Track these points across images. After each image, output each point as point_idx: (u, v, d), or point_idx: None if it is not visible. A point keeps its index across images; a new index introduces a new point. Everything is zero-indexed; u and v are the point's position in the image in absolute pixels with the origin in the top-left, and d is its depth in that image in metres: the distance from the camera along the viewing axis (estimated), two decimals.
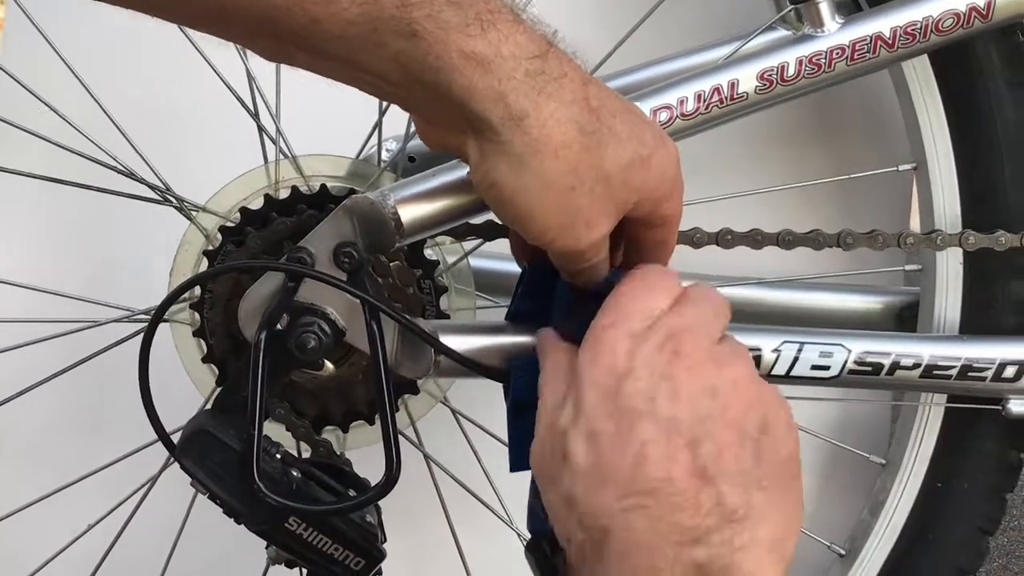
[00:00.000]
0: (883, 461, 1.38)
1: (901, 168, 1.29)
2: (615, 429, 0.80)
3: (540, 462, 0.86)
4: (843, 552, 1.40)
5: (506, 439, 0.99)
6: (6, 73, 1.22)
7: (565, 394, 0.85)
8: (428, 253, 1.13)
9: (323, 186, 1.14)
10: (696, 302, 0.87)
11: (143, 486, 1.24)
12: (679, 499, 0.77)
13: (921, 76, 1.24)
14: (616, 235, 0.90)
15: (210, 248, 1.15)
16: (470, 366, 1.01)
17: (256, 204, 1.14)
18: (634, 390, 0.81)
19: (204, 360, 1.15)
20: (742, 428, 0.81)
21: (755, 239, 1.19)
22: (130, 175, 1.20)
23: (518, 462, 0.96)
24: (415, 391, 1.15)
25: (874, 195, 1.43)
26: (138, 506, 1.24)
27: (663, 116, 1.07)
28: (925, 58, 1.23)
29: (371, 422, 1.15)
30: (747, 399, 0.82)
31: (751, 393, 0.83)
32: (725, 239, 1.18)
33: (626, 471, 0.79)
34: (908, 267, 1.34)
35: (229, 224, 1.14)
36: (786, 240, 1.19)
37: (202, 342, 1.15)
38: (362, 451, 1.18)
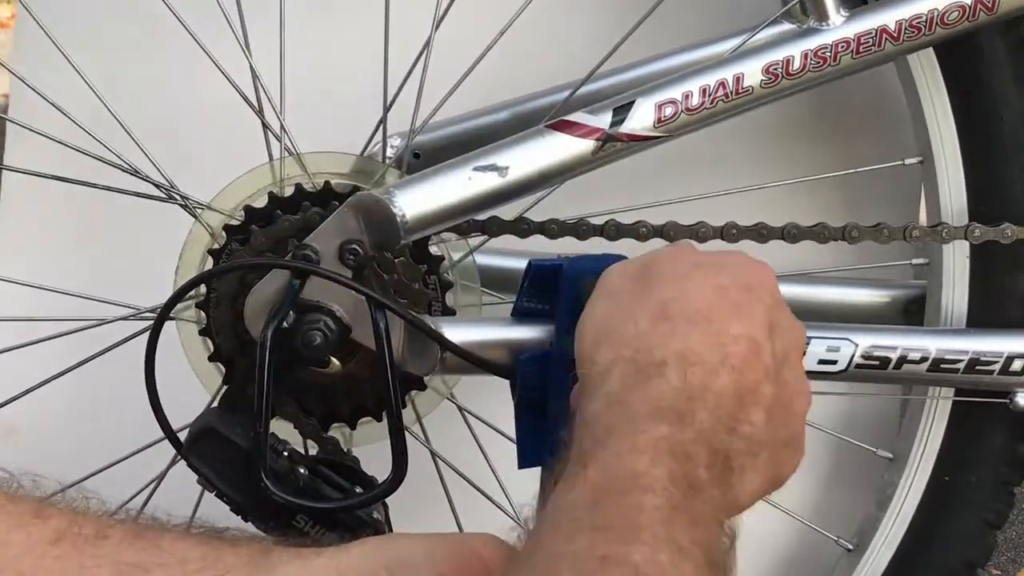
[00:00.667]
0: (890, 455, 1.38)
1: (907, 162, 1.29)
2: (732, 308, 0.85)
3: (608, 302, 0.89)
4: (851, 547, 1.40)
5: (512, 435, 0.99)
6: (11, 72, 1.22)
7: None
8: (433, 249, 1.13)
9: (327, 183, 1.13)
10: (745, 270, 0.91)
11: (149, 484, 1.24)
12: (742, 390, 0.81)
13: (927, 69, 1.23)
14: None
15: (215, 247, 1.15)
16: (476, 362, 1.01)
17: (260, 202, 1.14)
18: (750, 306, 0.86)
19: (211, 359, 1.15)
20: (788, 408, 0.86)
21: (760, 233, 1.19)
22: (134, 173, 1.19)
23: (526, 459, 0.96)
24: (422, 387, 1.15)
25: (882, 190, 1.42)
26: (145, 504, 1.24)
27: (668, 111, 1.06)
28: (931, 51, 1.22)
29: (379, 418, 1.14)
30: (797, 392, 0.87)
31: (800, 386, 0.88)
32: (730, 233, 1.18)
33: (726, 335, 0.83)
34: (915, 261, 1.33)
35: (233, 223, 1.14)
36: (791, 234, 1.19)
37: (208, 341, 1.15)
38: (366, 449, 1.17)
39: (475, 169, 1.04)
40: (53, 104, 1.19)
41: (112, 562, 0.87)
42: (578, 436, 0.81)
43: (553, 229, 1.17)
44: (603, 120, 1.06)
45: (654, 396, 0.79)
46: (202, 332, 1.15)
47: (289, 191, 1.13)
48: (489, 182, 1.03)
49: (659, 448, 0.76)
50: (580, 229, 1.17)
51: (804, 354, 0.91)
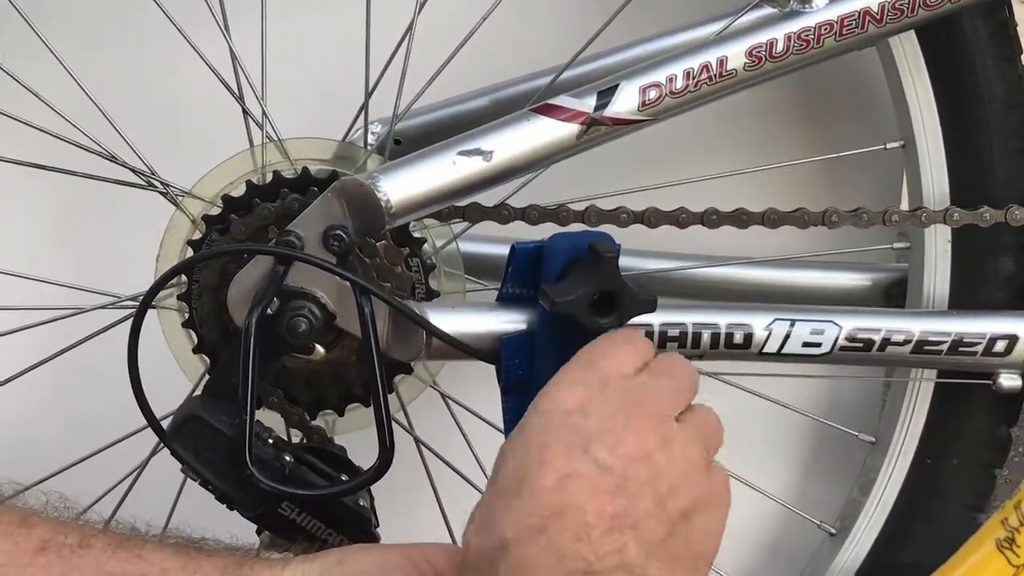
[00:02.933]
0: (873, 439, 1.38)
1: (889, 146, 1.29)
2: (546, 453, 0.83)
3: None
4: (833, 531, 1.40)
5: (495, 422, 0.99)
6: None
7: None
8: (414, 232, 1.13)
9: (305, 169, 1.13)
10: (662, 374, 0.92)
11: (131, 473, 1.24)
12: (584, 531, 0.80)
13: (909, 54, 1.23)
14: None
15: (195, 237, 1.14)
16: (462, 348, 1.01)
17: (240, 190, 1.13)
18: (577, 427, 0.84)
19: (195, 351, 1.14)
20: (664, 503, 0.83)
21: (740, 219, 1.19)
22: (113, 159, 1.18)
23: None
24: (409, 371, 1.15)
25: (864, 175, 1.42)
26: (127, 493, 1.23)
27: (652, 94, 1.06)
28: (913, 36, 1.22)
29: (367, 404, 1.14)
30: (679, 480, 0.85)
31: (687, 476, 0.86)
32: (711, 219, 1.18)
33: (543, 491, 0.81)
34: (896, 245, 1.33)
35: (213, 212, 1.13)
36: (771, 219, 1.19)
37: (192, 333, 1.14)
38: (350, 437, 1.17)
39: (459, 153, 1.03)
40: (30, 90, 1.18)
41: (95, 571, 0.89)
42: None
43: (534, 215, 1.17)
44: (587, 104, 1.05)
45: None
46: (185, 324, 1.14)
47: (269, 178, 1.13)
48: (474, 166, 1.03)
49: None
50: (560, 215, 1.17)
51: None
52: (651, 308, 0.97)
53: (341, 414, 1.16)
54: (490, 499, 0.84)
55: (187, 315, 1.13)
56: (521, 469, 0.83)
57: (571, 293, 0.94)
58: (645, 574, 0.81)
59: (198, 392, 1.13)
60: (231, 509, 1.02)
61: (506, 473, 0.84)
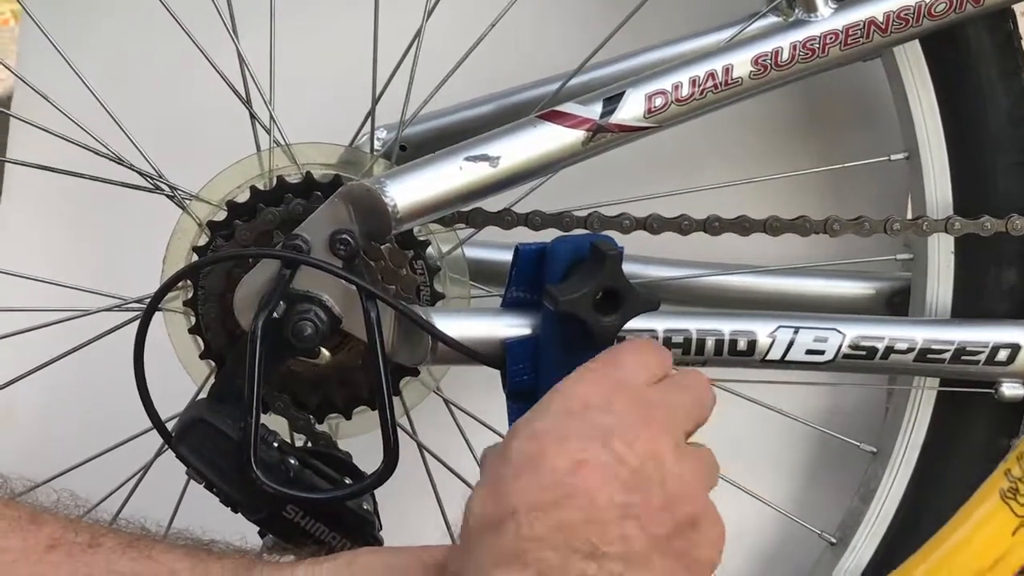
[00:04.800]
0: (874, 449, 1.38)
1: (893, 158, 1.29)
2: (564, 435, 0.83)
3: (487, 455, 0.89)
4: (834, 540, 1.40)
5: (498, 428, 0.99)
6: (3, 65, 1.21)
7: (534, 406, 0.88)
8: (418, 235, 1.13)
9: (308, 174, 1.13)
10: (683, 389, 0.92)
11: (136, 474, 1.24)
12: (594, 515, 0.80)
13: (914, 65, 1.24)
14: None
15: (200, 243, 1.14)
16: (467, 352, 1.02)
17: (245, 196, 1.14)
18: (596, 419, 0.85)
19: (202, 356, 1.15)
20: (673, 508, 0.83)
21: (743, 226, 1.19)
22: (120, 162, 1.19)
23: None
24: (416, 373, 1.15)
25: (870, 186, 1.43)
26: (131, 493, 1.24)
27: (658, 101, 1.06)
28: (917, 47, 1.23)
29: (374, 408, 1.14)
30: (688, 493, 0.85)
31: (694, 492, 0.86)
32: (712, 226, 1.18)
33: (557, 471, 0.81)
34: (899, 256, 1.34)
35: (217, 218, 1.14)
36: (773, 227, 1.20)
37: (198, 339, 1.14)
38: (353, 441, 1.17)
39: (466, 159, 1.03)
40: (41, 95, 1.18)
41: (105, 570, 0.89)
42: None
43: (537, 221, 1.18)
44: (593, 111, 1.06)
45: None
46: (192, 330, 1.14)
47: (275, 182, 1.13)
48: (480, 172, 1.03)
49: None
50: (563, 221, 1.18)
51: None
52: (654, 307, 0.97)
53: (348, 418, 1.17)
54: (500, 470, 0.83)
55: (193, 320, 1.14)
56: (536, 448, 0.83)
57: (575, 291, 0.95)
58: (648, 565, 0.81)
59: (203, 395, 1.13)
60: (235, 512, 1.02)
61: (520, 449, 0.83)
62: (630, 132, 1.07)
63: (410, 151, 1.23)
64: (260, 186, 1.14)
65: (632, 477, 0.82)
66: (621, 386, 0.88)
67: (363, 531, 1.04)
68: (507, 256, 1.04)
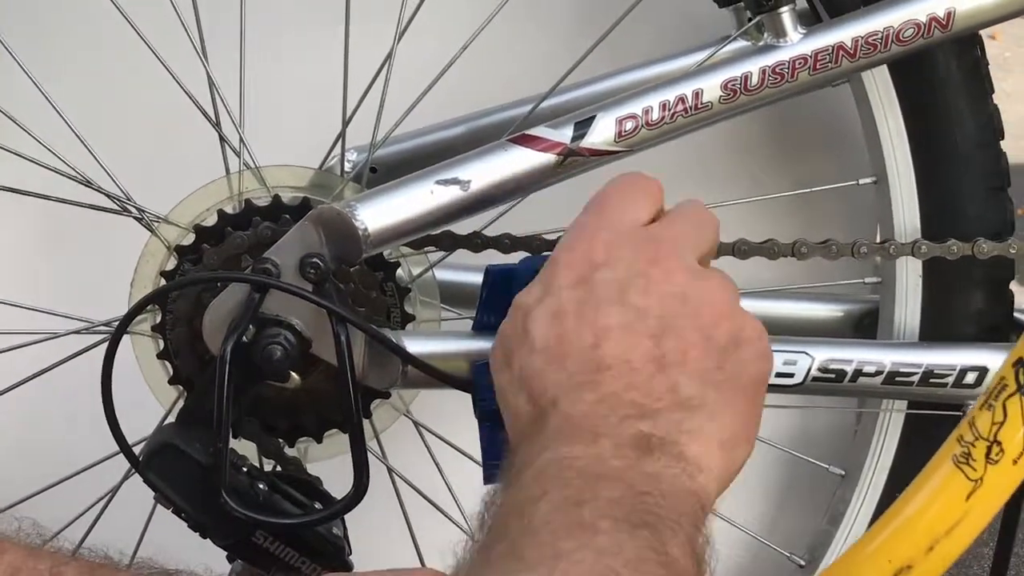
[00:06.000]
0: (843, 472, 1.39)
1: (862, 182, 1.30)
2: (581, 310, 0.82)
3: (502, 342, 0.86)
4: (803, 563, 1.40)
5: (469, 451, 0.98)
6: None
7: (538, 277, 0.86)
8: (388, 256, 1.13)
9: (276, 197, 1.13)
10: (681, 218, 0.89)
11: (102, 499, 1.23)
12: (633, 378, 0.79)
13: (882, 90, 1.24)
14: None
15: (168, 268, 1.14)
16: (437, 376, 1.01)
17: (215, 219, 1.13)
18: (607, 278, 0.83)
19: (171, 382, 1.14)
20: (710, 335, 0.82)
21: None
22: (89, 184, 1.18)
23: (491, 473, 0.96)
24: (387, 396, 1.15)
25: (841, 210, 1.44)
26: (97, 519, 1.23)
27: (629, 125, 1.07)
28: (886, 72, 1.23)
29: (345, 430, 1.14)
30: (720, 313, 0.83)
31: (726, 309, 0.84)
32: None
33: (585, 350, 0.80)
34: (868, 280, 1.35)
35: (185, 243, 1.13)
36: (741, 250, 1.20)
37: (167, 364, 1.14)
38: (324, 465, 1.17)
39: (437, 183, 1.03)
40: (9, 116, 1.17)
41: None
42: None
43: (506, 243, 1.18)
44: (564, 134, 1.06)
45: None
46: (160, 355, 1.14)
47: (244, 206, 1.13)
48: (451, 195, 1.03)
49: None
50: (533, 244, 1.17)
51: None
52: None
53: (320, 441, 1.16)
54: (530, 362, 0.82)
55: (161, 345, 1.13)
56: (558, 332, 0.81)
57: None
58: (703, 404, 0.79)
59: (171, 419, 1.13)
60: (204, 537, 1.02)
61: (544, 336, 0.82)
62: (601, 156, 1.07)
63: (381, 173, 1.22)
64: (228, 209, 1.13)
65: (659, 324, 0.81)
66: (617, 234, 0.86)
67: (333, 556, 1.04)
68: (478, 278, 1.04)
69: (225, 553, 1.04)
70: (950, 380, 1.19)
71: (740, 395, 0.82)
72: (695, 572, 0.73)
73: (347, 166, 1.22)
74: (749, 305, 1.32)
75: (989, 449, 0.97)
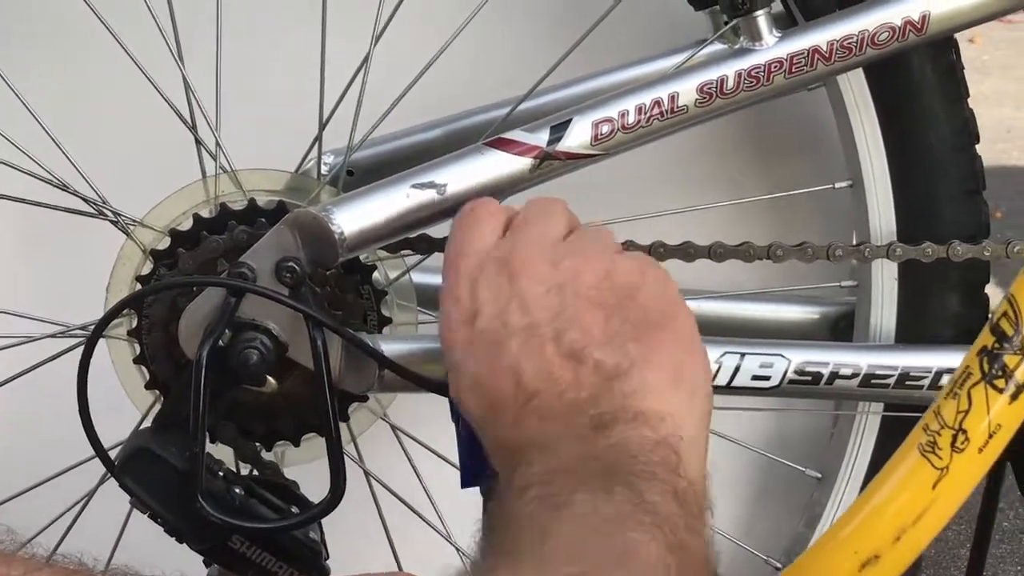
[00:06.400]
0: (819, 475, 1.39)
1: (838, 185, 1.31)
2: (488, 365, 0.84)
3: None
4: (779, 565, 1.40)
5: (447, 455, 0.98)
6: None
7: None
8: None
9: (252, 200, 1.13)
10: (525, 222, 0.92)
11: (77, 503, 1.22)
12: (560, 385, 0.82)
13: (857, 94, 1.25)
14: None
15: (143, 273, 1.13)
16: (414, 379, 1.01)
17: (190, 223, 1.13)
18: (486, 323, 0.85)
19: (147, 387, 1.14)
20: (601, 302, 0.85)
21: (687, 252, 1.19)
22: (65, 188, 1.17)
23: (468, 478, 0.96)
24: (364, 399, 1.15)
25: (816, 214, 1.44)
26: (72, 523, 1.22)
27: (605, 129, 1.07)
28: (861, 76, 1.24)
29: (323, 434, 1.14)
30: (597, 275, 0.86)
31: (602, 267, 0.87)
32: (657, 252, 1.19)
33: (509, 395, 0.83)
34: (844, 283, 1.35)
35: (160, 247, 1.13)
36: (717, 252, 1.20)
37: (143, 369, 1.13)
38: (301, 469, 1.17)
39: (413, 186, 1.03)
40: None
41: None
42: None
43: None
44: (540, 138, 1.06)
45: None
46: (136, 360, 1.13)
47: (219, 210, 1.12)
48: (427, 199, 1.03)
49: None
50: None
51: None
52: None
53: (297, 444, 1.16)
54: (474, 412, 0.86)
55: (138, 350, 1.13)
56: (480, 392, 0.85)
57: None
58: (632, 362, 0.82)
59: (147, 423, 1.12)
60: (180, 542, 1.01)
61: (470, 401, 0.86)
62: (577, 159, 1.07)
63: (358, 176, 1.22)
64: (204, 213, 1.13)
65: (552, 327, 0.84)
66: (470, 277, 0.88)
67: (310, 560, 1.04)
68: None
69: (201, 558, 1.03)
70: (926, 382, 1.19)
71: (659, 331, 0.85)
72: (681, 513, 0.75)
73: (324, 169, 1.22)
74: (727, 308, 1.35)
75: (955, 437, 0.98)
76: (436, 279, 1.25)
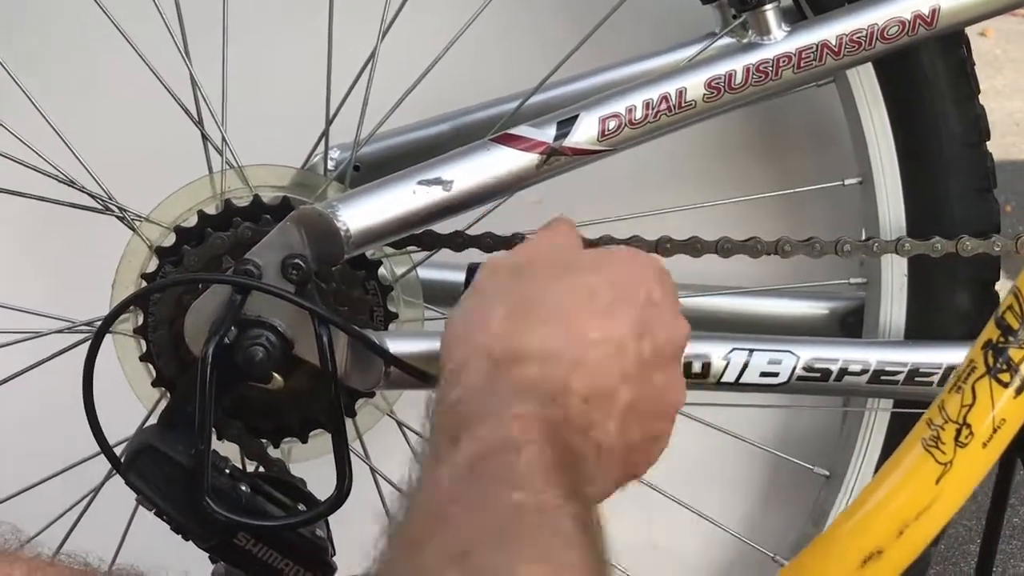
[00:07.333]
0: (827, 473, 1.38)
1: (847, 182, 1.30)
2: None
3: None
4: (786, 563, 1.40)
5: None
6: None
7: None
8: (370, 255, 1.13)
9: (257, 197, 1.12)
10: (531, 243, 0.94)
11: (83, 499, 1.22)
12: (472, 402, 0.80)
13: (868, 91, 1.24)
14: None
15: (148, 271, 1.13)
16: (420, 376, 1.01)
17: (194, 219, 1.13)
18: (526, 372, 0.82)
19: (154, 384, 1.13)
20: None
21: (694, 247, 1.19)
22: (70, 183, 1.17)
23: None
24: (371, 394, 1.14)
25: (826, 211, 1.43)
26: (77, 521, 1.22)
27: (612, 124, 1.06)
28: (872, 73, 1.23)
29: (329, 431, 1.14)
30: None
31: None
32: (664, 247, 1.18)
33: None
34: (853, 280, 1.34)
35: (165, 244, 1.13)
36: (724, 248, 1.20)
37: (150, 367, 1.13)
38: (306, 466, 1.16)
39: (419, 183, 1.03)
40: None
41: None
42: (439, 423, 0.82)
43: (488, 242, 1.17)
44: (547, 134, 1.05)
45: (517, 380, 0.80)
46: (143, 358, 1.13)
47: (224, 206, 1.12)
48: (433, 196, 1.03)
49: (529, 418, 0.77)
50: (515, 243, 1.17)
51: (682, 352, 0.90)
52: None
53: (304, 441, 1.16)
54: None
55: (144, 347, 1.12)
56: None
57: None
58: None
59: (152, 420, 1.12)
60: (186, 539, 1.01)
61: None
62: (584, 155, 1.07)
63: (364, 171, 1.22)
64: (209, 210, 1.13)
65: (634, 370, 0.83)
66: (501, 296, 0.87)
67: (316, 557, 1.03)
68: (461, 276, 1.04)
69: (207, 555, 1.03)
70: (936, 378, 1.18)
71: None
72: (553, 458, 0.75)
73: (330, 164, 1.22)
74: (736, 304, 1.35)
75: (958, 432, 0.98)
76: (442, 274, 1.27)
